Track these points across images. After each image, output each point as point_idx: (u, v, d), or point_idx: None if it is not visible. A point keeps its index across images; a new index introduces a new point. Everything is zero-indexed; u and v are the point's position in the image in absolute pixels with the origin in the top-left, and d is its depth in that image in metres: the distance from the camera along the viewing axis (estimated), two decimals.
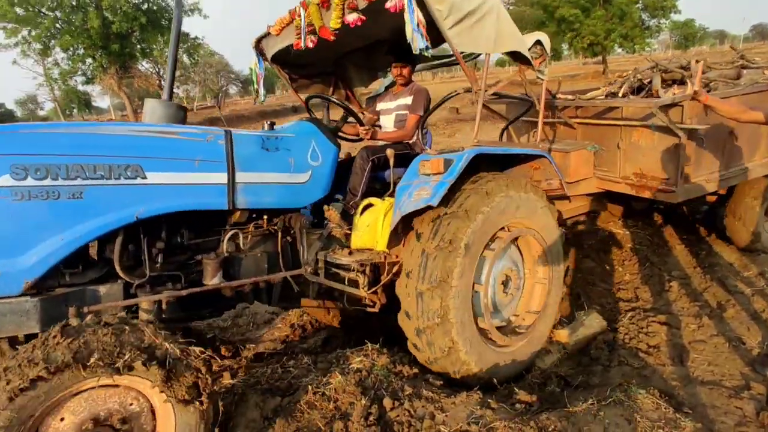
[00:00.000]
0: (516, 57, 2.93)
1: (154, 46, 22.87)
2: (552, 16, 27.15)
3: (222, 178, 2.48)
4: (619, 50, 30.08)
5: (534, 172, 3.26)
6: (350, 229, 2.85)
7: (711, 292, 3.87)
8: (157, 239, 2.40)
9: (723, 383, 2.79)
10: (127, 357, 1.71)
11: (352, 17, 2.56)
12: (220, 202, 2.49)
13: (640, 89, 4.26)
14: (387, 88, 3.82)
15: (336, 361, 2.86)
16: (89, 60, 21.85)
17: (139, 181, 2.23)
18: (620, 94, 4.26)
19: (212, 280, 2.48)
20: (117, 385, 1.83)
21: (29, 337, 1.98)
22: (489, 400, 2.29)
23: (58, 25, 20.05)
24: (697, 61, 3.95)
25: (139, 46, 22.73)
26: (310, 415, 2.32)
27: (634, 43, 27.53)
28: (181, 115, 2.72)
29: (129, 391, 1.86)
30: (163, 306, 2.31)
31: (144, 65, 25.53)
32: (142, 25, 20.52)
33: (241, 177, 2.54)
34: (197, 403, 1.86)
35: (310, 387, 2.50)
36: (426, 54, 2.47)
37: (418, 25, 2.35)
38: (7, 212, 1.97)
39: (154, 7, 21.40)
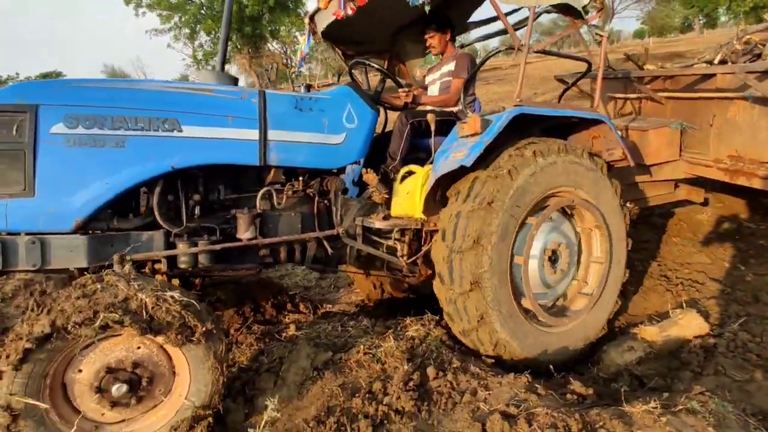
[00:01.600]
0: (567, 11, 2.66)
1: (282, 27, 24.48)
2: None
3: (254, 134, 2.56)
4: None
5: (594, 142, 2.91)
6: (390, 195, 2.84)
7: None
8: (195, 192, 2.56)
9: None
10: (102, 316, 1.78)
11: None
12: (251, 158, 2.58)
13: (757, 56, 3.51)
14: (432, 65, 3.73)
15: (394, 326, 2.94)
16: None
17: (175, 133, 2.39)
18: (716, 61, 3.57)
19: (245, 234, 2.58)
20: (119, 334, 1.93)
21: (81, 272, 2.24)
22: (537, 386, 2.18)
23: (202, 11, 22.46)
24: None
25: (269, 28, 24.51)
26: (357, 373, 2.43)
27: None
28: (231, 83, 2.81)
29: (132, 338, 1.95)
30: (199, 258, 2.50)
31: (273, 45, 27.51)
32: (270, 7, 22.06)
33: (273, 135, 2.60)
34: (194, 339, 1.94)
35: (362, 347, 2.61)
36: (426, 7, 2.35)
37: None
38: (60, 157, 2.18)
39: None
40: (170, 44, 23.72)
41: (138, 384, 1.98)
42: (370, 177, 2.77)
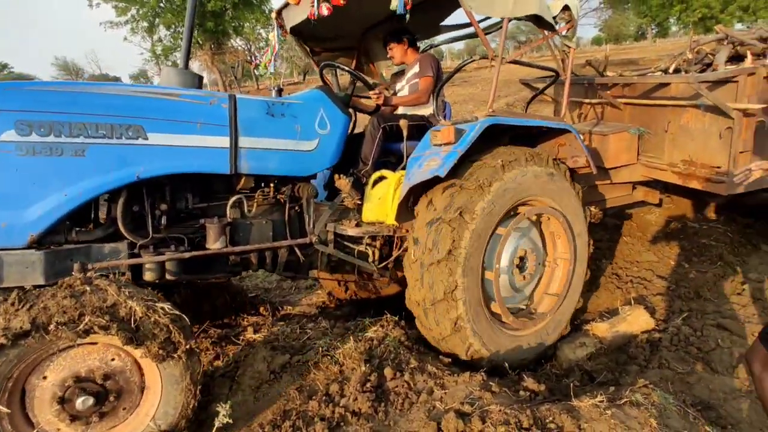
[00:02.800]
0: (538, 22, 2.72)
1: (246, 24, 24.00)
2: None
3: (224, 141, 2.47)
4: (739, 25, 26.40)
5: (559, 149, 3.02)
6: (361, 200, 2.83)
7: None
8: (162, 201, 2.46)
9: None
10: (87, 320, 1.69)
11: None
12: (222, 166, 2.49)
13: (707, 65, 3.74)
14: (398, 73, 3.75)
15: (353, 328, 2.93)
16: None
17: (140, 141, 2.26)
18: (671, 70, 3.78)
19: (215, 244, 2.50)
20: (95, 343, 1.83)
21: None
22: (491, 383, 2.22)
23: (162, 4, 21.71)
24: None
25: (232, 24, 23.98)
26: (314, 375, 2.41)
27: (757, 16, 23.99)
28: (195, 82, 2.73)
29: (108, 348, 1.86)
30: (166, 267, 2.40)
31: (237, 41, 26.93)
32: (234, 3, 21.59)
33: (244, 141, 2.52)
34: (175, 356, 1.85)
35: (320, 349, 2.59)
36: (404, 17, 2.34)
37: None
38: (11, 166, 2.03)
39: None
40: (127, 38, 22.83)
41: (104, 399, 1.87)
42: (343, 183, 2.75)
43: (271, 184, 2.79)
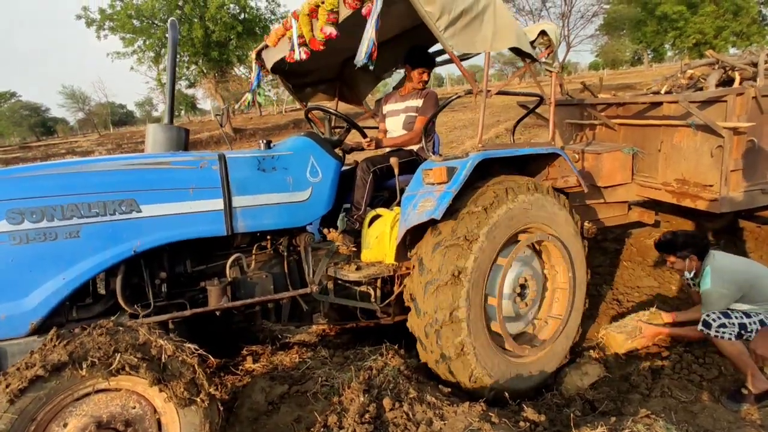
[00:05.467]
0: (519, 53, 2.79)
1: (250, 53, 24.58)
2: (652, 14, 25.04)
3: (218, 204, 2.45)
4: (733, 50, 26.91)
5: (550, 170, 3.06)
6: (355, 246, 2.84)
7: None
8: (160, 269, 2.44)
9: None
10: (121, 356, 1.73)
11: (328, 30, 2.50)
12: (218, 229, 2.47)
13: (699, 90, 3.83)
14: (394, 88, 3.75)
15: (353, 357, 2.92)
16: (193, 66, 24.04)
17: (134, 215, 2.24)
18: (662, 92, 3.87)
19: (217, 305, 2.51)
20: (118, 389, 1.85)
21: None
22: (491, 414, 2.20)
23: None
24: None
25: (236, 53, 24.58)
26: (313, 406, 2.39)
27: (750, 42, 24.49)
28: (182, 137, 2.74)
29: (130, 395, 1.87)
30: (170, 326, 2.39)
31: (240, 70, 27.56)
32: (239, 33, 22.17)
33: (238, 201, 2.51)
34: (198, 400, 1.85)
35: (319, 379, 2.57)
36: (369, 66, 2.36)
37: (371, 37, 2.27)
38: (5, 256, 2.00)
39: (249, 17, 23.02)
40: (133, 67, 23.35)
41: None
42: (334, 236, 2.75)
43: (268, 237, 2.79)
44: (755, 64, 3.87)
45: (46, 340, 1.77)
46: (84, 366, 1.71)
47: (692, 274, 2.96)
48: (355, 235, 2.94)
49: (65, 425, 1.79)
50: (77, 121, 56.35)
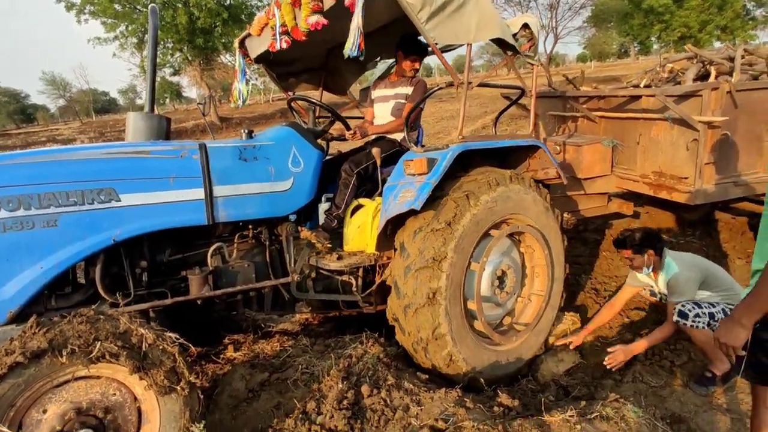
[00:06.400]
0: (501, 45, 2.80)
1: (235, 40, 24.20)
2: (638, 7, 25.21)
3: (199, 193, 2.44)
4: (717, 43, 27.26)
5: (530, 162, 3.12)
6: (330, 241, 2.85)
7: None
8: (141, 259, 2.43)
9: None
10: (101, 344, 1.73)
11: (313, 19, 2.49)
12: (198, 218, 2.46)
13: (678, 84, 3.91)
14: (383, 75, 3.73)
15: (334, 345, 2.95)
16: (177, 53, 23.61)
17: (113, 204, 2.23)
18: (642, 85, 3.94)
19: (199, 294, 2.51)
20: (98, 377, 1.85)
21: None
22: (466, 400, 2.25)
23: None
24: (746, 51, 3.51)
25: (222, 40, 24.18)
26: (292, 393, 2.42)
27: (734, 36, 24.83)
28: (163, 126, 2.71)
29: (110, 382, 1.87)
30: (151, 315, 2.39)
31: (227, 57, 27.12)
32: (224, 20, 21.79)
33: (219, 191, 2.50)
34: (178, 388, 1.85)
35: (300, 367, 2.60)
36: (360, 57, 2.36)
37: (358, 28, 2.26)
38: None
39: (235, 4, 22.64)
40: (116, 53, 22.87)
41: None
42: (307, 234, 2.75)
43: (250, 227, 2.79)
44: (733, 59, 3.95)
45: (26, 327, 1.76)
46: (64, 353, 1.71)
47: (650, 269, 3.04)
48: (330, 232, 2.95)
49: (44, 411, 1.80)
50: (58, 108, 55.18)
